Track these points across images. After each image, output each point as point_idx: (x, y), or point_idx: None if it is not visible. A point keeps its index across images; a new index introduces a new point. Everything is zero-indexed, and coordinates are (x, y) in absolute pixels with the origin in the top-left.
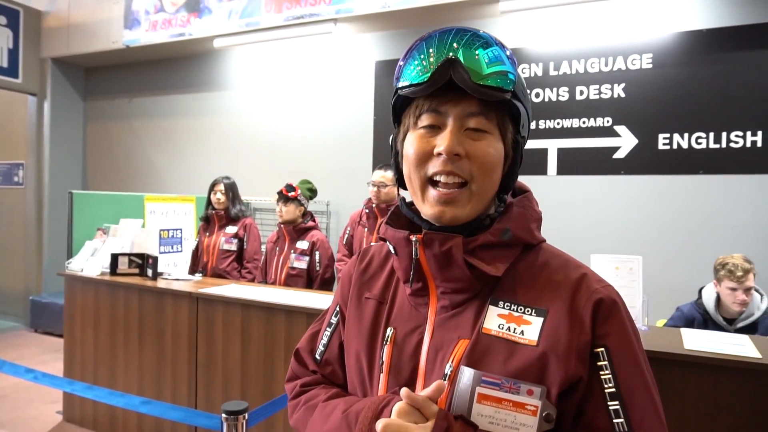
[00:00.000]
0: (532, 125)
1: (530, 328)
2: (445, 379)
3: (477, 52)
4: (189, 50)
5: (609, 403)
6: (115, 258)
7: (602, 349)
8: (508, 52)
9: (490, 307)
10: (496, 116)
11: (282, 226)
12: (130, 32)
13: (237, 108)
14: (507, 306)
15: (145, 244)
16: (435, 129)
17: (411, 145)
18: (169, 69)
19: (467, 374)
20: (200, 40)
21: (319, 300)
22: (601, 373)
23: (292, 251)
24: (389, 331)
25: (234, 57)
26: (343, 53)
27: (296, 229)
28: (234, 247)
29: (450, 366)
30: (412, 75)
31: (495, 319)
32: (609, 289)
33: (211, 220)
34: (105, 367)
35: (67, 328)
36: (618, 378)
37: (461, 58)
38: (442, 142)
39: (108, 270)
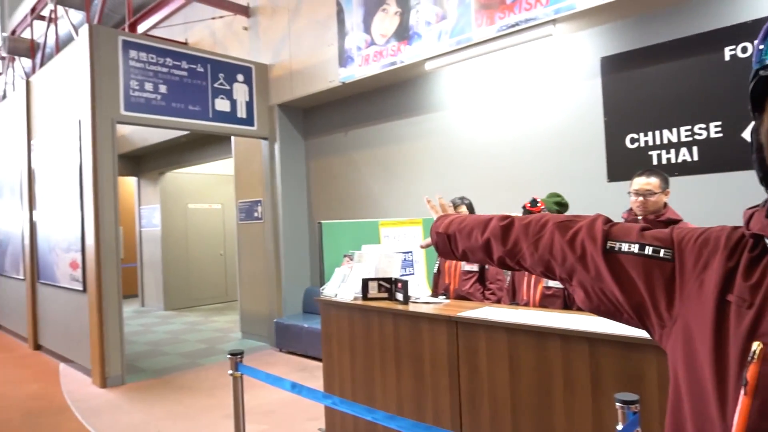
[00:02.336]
0: None
1: None
2: None
3: None
4: (399, 77)
5: None
6: (365, 283)
7: None
8: None
9: None
10: None
11: None
12: (344, 70)
13: (452, 127)
14: None
15: (387, 268)
16: None
17: None
18: (381, 98)
19: None
20: (411, 65)
21: (602, 323)
22: None
23: None
24: (755, 346)
25: (444, 77)
26: (563, 54)
27: None
28: (475, 268)
29: None
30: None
31: None
32: None
33: None
34: (362, 389)
35: (325, 351)
36: None
37: None
38: None
39: (360, 295)
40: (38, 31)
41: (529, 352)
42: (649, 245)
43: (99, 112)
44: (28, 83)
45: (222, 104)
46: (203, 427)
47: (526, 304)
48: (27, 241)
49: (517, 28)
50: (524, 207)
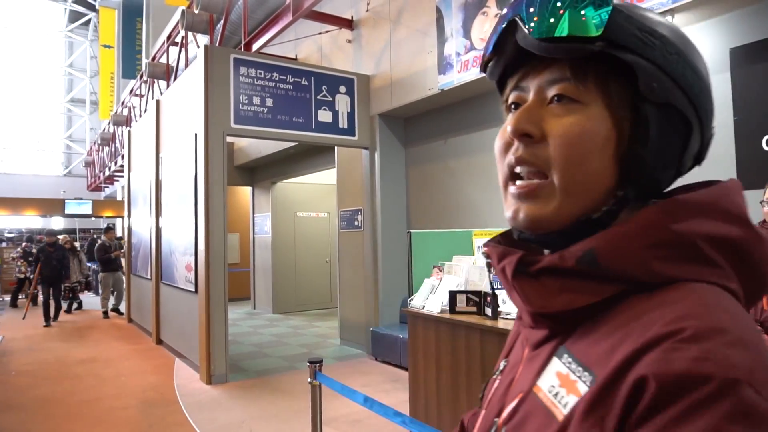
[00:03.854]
0: None
1: (571, 400)
2: None
3: (545, 2)
4: None
5: None
6: (453, 296)
7: None
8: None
9: (555, 359)
10: (596, 80)
11: None
12: (443, 77)
13: None
14: (569, 362)
15: (478, 280)
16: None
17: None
18: (481, 104)
19: None
20: None
21: None
22: None
23: None
24: (502, 364)
25: None
26: None
27: None
28: None
29: (496, 421)
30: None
31: (551, 377)
32: (705, 363)
33: None
34: (448, 408)
35: (411, 364)
36: None
37: (523, 16)
38: (508, 122)
39: (447, 307)
40: (173, 56)
41: None
42: None
43: (211, 125)
44: (157, 102)
45: (324, 115)
46: (293, 430)
47: None
48: (153, 245)
49: None
50: None
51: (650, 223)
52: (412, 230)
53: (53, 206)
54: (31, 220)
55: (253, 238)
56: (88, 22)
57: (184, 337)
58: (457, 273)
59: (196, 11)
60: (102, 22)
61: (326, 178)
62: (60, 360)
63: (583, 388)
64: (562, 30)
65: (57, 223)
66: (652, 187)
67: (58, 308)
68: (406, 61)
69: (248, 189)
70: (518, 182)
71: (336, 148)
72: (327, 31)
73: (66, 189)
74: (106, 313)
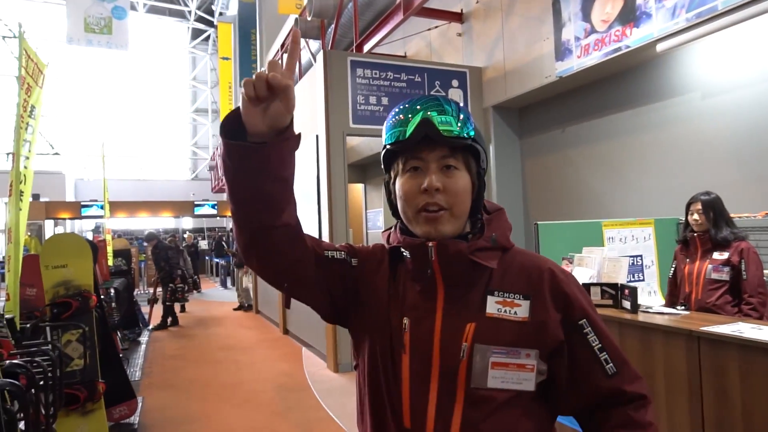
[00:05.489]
0: None
1: (521, 309)
2: (462, 356)
3: (445, 111)
4: (623, 65)
5: (600, 355)
6: (587, 288)
7: (584, 320)
8: (465, 112)
9: (488, 296)
10: (462, 157)
11: None
12: (561, 63)
13: (689, 115)
14: (500, 294)
15: (612, 272)
16: (419, 171)
17: (402, 185)
18: (602, 90)
19: (481, 349)
20: (638, 50)
21: None
22: (588, 336)
23: None
24: (405, 321)
25: (679, 58)
26: None
27: None
28: (726, 277)
29: (465, 345)
30: (397, 135)
31: (494, 305)
32: (570, 277)
33: (691, 243)
34: None
35: None
36: (599, 337)
37: (433, 118)
38: (426, 180)
39: None
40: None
41: None
42: None
43: (332, 126)
44: None
45: None
46: None
47: None
48: None
49: None
50: None
51: (504, 221)
52: (538, 222)
53: (184, 208)
54: (165, 221)
55: (367, 233)
56: (207, 38)
57: (310, 327)
58: (588, 265)
59: (309, 18)
60: (220, 36)
61: None
62: (202, 346)
63: (524, 303)
64: (459, 132)
65: (186, 223)
66: (479, 210)
67: (164, 312)
68: (521, 50)
69: (360, 186)
70: (429, 213)
71: None
72: (436, 27)
73: (194, 192)
74: (241, 306)
